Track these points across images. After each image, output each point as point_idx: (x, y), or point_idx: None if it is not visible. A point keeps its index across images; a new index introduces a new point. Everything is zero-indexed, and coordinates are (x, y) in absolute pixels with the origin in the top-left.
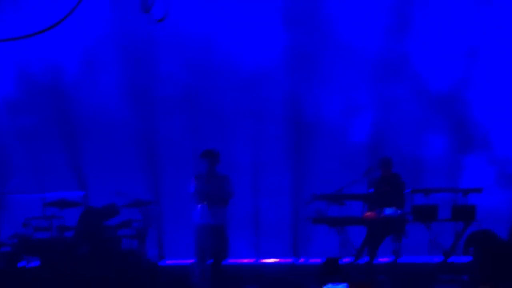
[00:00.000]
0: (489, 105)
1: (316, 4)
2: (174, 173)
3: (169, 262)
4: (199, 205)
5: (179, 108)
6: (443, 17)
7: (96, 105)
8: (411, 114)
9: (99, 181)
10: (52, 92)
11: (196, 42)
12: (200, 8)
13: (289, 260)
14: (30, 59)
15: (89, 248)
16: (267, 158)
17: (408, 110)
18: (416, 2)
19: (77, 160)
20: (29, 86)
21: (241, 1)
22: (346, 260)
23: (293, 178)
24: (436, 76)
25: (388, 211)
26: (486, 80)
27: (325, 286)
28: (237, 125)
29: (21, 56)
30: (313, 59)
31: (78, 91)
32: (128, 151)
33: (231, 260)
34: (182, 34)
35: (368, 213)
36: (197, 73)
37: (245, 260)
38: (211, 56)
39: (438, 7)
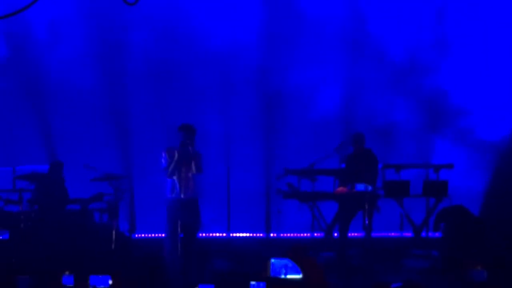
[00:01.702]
0: (462, 80)
1: None
2: (144, 146)
3: (140, 235)
4: (170, 179)
5: (150, 81)
6: None
7: (65, 78)
8: (381, 89)
9: (69, 154)
10: (19, 63)
11: (167, 13)
12: None
13: (260, 235)
14: None
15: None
16: (238, 132)
17: (377, 84)
18: None
19: (47, 133)
20: None
21: None
22: (317, 235)
23: (265, 152)
24: (403, 48)
25: (360, 186)
26: (458, 50)
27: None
28: (207, 98)
29: None
30: (283, 33)
31: (47, 62)
32: (98, 124)
33: (203, 234)
34: (153, 5)
35: (340, 188)
36: (167, 45)
37: (217, 234)
38: (182, 29)
39: None
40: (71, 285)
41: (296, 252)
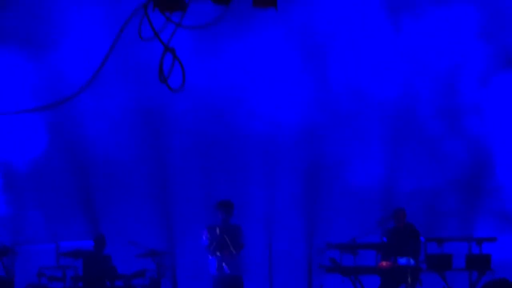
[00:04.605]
0: (503, 154)
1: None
2: (187, 222)
3: None
4: (214, 257)
5: (193, 156)
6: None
7: (108, 152)
8: (422, 164)
9: (112, 229)
10: (61, 138)
11: (212, 88)
12: (215, 61)
13: None
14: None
15: None
16: (280, 206)
17: (419, 158)
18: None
19: (90, 208)
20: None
21: (252, 56)
22: None
23: (306, 225)
24: (441, 114)
25: (402, 260)
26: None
27: None
28: (249, 173)
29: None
30: (326, 108)
31: (89, 136)
32: (142, 201)
33: None
34: (197, 79)
35: (382, 263)
36: (211, 121)
37: None
38: (226, 104)
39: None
40: None
41: None
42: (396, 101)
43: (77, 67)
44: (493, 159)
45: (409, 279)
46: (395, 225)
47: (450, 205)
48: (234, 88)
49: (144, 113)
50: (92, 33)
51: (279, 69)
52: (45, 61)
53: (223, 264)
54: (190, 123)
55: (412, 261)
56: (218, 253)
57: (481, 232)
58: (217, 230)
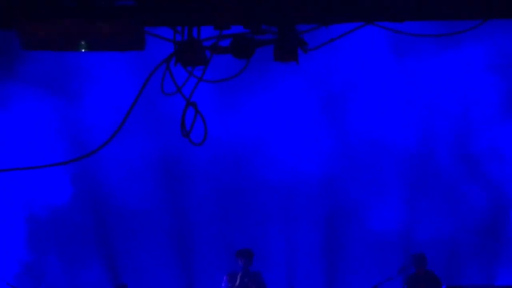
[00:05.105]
0: None
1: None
2: (207, 269)
3: None
4: None
5: (214, 205)
6: None
7: (127, 199)
8: (443, 211)
9: (132, 278)
10: (79, 187)
11: (231, 137)
12: (236, 112)
13: None
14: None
15: None
16: (300, 254)
17: (438, 206)
18: None
19: (111, 257)
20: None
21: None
22: None
23: (327, 273)
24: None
25: None
26: None
27: None
28: (270, 221)
29: None
30: (345, 155)
31: (109, 183)
32: (162, 249)
33: None
34: (217, 128)
35: None
36: (231, 170)
37: None
38: (245, 154)
39: None
40: None
41: None
42: (413, 147)
43: (102, 118)
44: None
45: None
46: (416, 272)
47: (471, 252)
48: (254, 138)
49: (165, 162)
50: (117, 85)
51: (298, 119)
52: (70, 111)
53: None
54: (211, 173)
55: None
56: None
57: (503, 280)
58: (238, 277)
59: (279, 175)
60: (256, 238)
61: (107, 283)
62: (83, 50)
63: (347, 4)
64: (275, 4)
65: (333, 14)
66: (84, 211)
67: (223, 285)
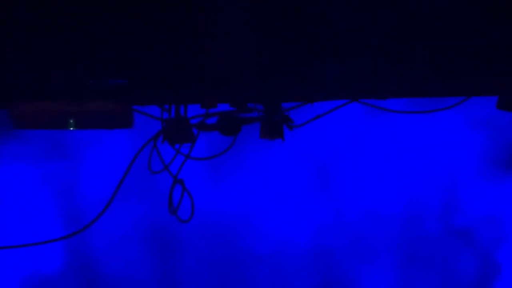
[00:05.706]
0: None
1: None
2: None
3: None
4: None
5: (203, 276)
6: None
7: (121, 270)
8: (435, 284)
9: None
10: (83, 259)
11: (222, 213)
12: (224, 185)
13: None
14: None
15: None
16: None
17: (430, 278)
18: None
19: None
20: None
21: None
22: None
23: None
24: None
25: None
26: None
27: None
28: None
29: None
30: (332, 226)
31: (102, 257)
32: None
33: None
34: (208, 206)
35: None
36: (221, 242)
37: None
38: (235, 227)
39: None
40: None
41: None
42: (404, 218)
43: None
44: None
45: None
46: None
47: None
48: (243, 211)
49: (155, 231)
50: (109, 158)
51: (287, 191)
52: (62, 178)
53: None
54: (200, 244)
55: None
56: None
57: None
58: None
59: (269, 247)
60: None
61: None
62: (71, 129)
63: (333, 85)
64: (261, 84)
65: (319, 92)
66: (74, 278)
67: None
